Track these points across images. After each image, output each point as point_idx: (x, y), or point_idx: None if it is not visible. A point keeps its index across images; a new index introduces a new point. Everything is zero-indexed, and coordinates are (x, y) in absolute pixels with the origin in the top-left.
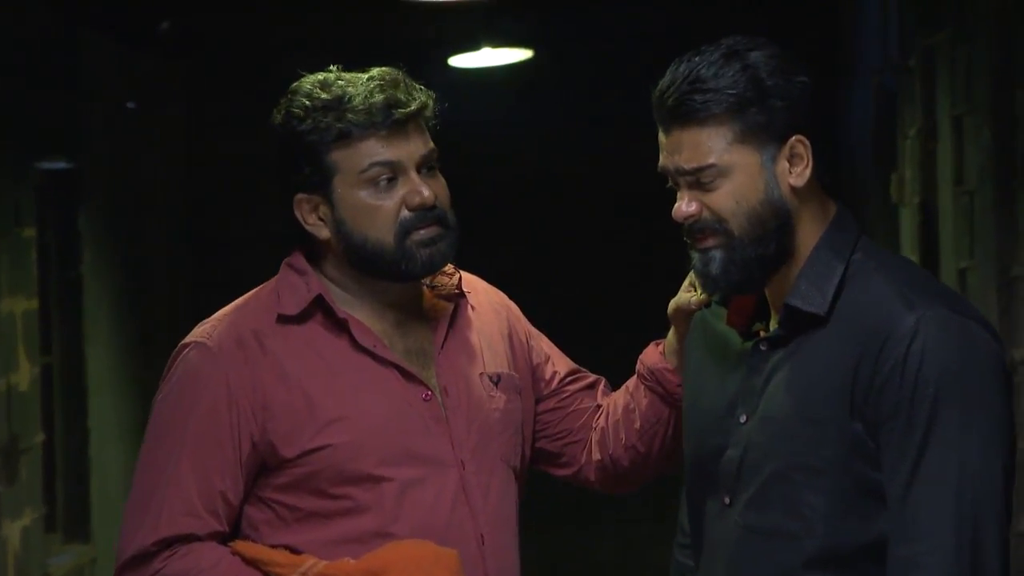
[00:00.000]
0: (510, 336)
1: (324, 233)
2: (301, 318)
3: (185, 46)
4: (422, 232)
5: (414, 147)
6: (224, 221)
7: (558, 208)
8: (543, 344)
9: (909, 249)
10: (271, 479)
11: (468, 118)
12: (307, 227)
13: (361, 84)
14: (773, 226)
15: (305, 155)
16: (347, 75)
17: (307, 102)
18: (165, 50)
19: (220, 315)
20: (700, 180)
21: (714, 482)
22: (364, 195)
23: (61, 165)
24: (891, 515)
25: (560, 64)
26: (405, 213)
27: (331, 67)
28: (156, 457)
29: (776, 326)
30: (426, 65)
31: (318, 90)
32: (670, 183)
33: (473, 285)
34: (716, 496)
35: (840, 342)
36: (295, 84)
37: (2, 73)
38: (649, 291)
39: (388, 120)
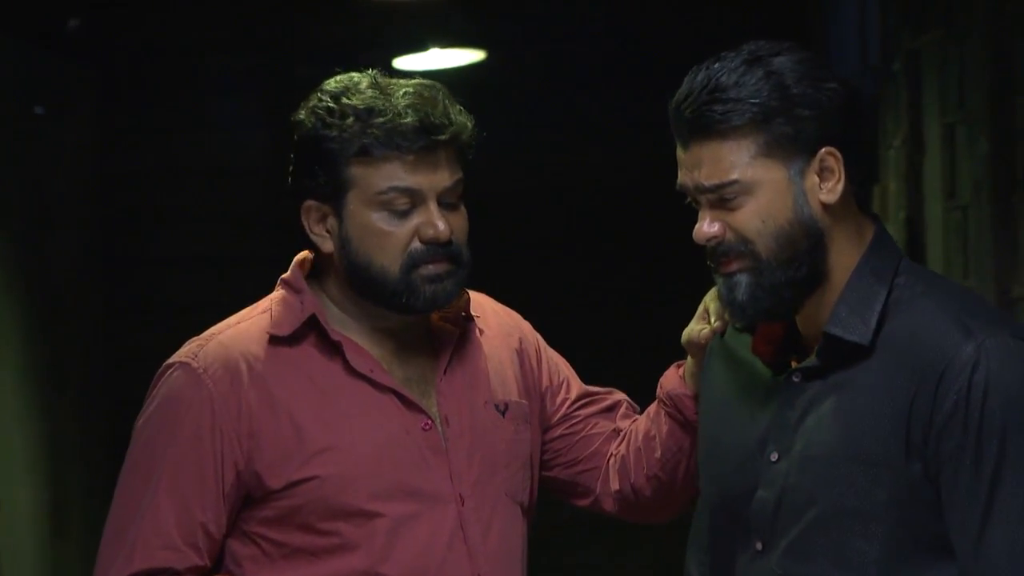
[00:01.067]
0: (520, 360)
1: (328, 246)
2: (293, 339)
3: (97, 46)
4: (431, 267)
5: (439, 177)
6: (140, 241)
7: (512, 217)
8: (557, 366)
9: None
10: (256, 511)
11: None
12: (312, 236)
13: (396, 98)
14: (804, 247)
15: (322, 161)
16: (384, 82)
17: (333, 105)
18: (74, 50)
19: (209, 333)
20: (723, 198)
21: (743, 526)
22: (376, 217)
23: None
24: (963, 562)
25: (515, 66)
26: (416, 244)
27: (368, 70)
28: (133, 484)
29: (813, 356)
30: (368, 67)
31: (348, 94)
32: (689, 200)
33: (482, 307)
34: (746, 541)
35: (889, 374)
36: (326, 81)
37: None
38: (597, 306)
39: (416, 145)
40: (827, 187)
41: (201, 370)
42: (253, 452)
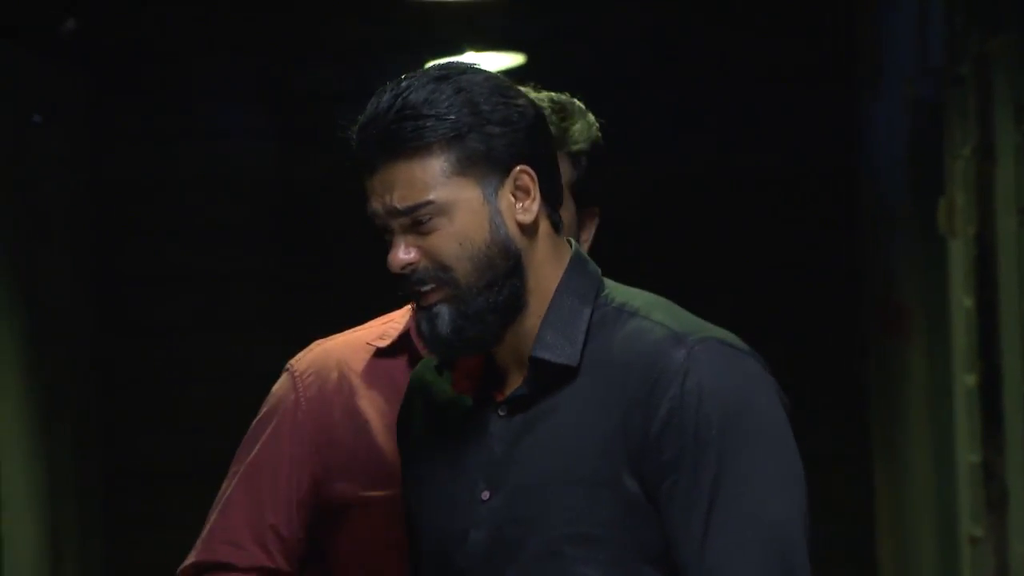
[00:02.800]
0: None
1: None
2: (393, 352)
3: (89, 49)
4: None
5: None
6: (134, 256)
7: None
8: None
9: (961, 287)
10: (337, 520)
11: None
12: None
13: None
14: (503, 270)
15: None
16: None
17: None
18: (65, 54)
19: (326, 339)
20: (417, 220)
21: (457, 571)
22: None
23: None
24: (687, 573)
25: (551, 68)
26: None
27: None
28: (228, 477)
29: (520, 385)
30: (403, 70)
31: None
32: (384, 232)
33: None
34: None
35: (599, 393)
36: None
37: None
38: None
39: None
40: (523, 206)
41: (297, 374)
42: (330, 462)
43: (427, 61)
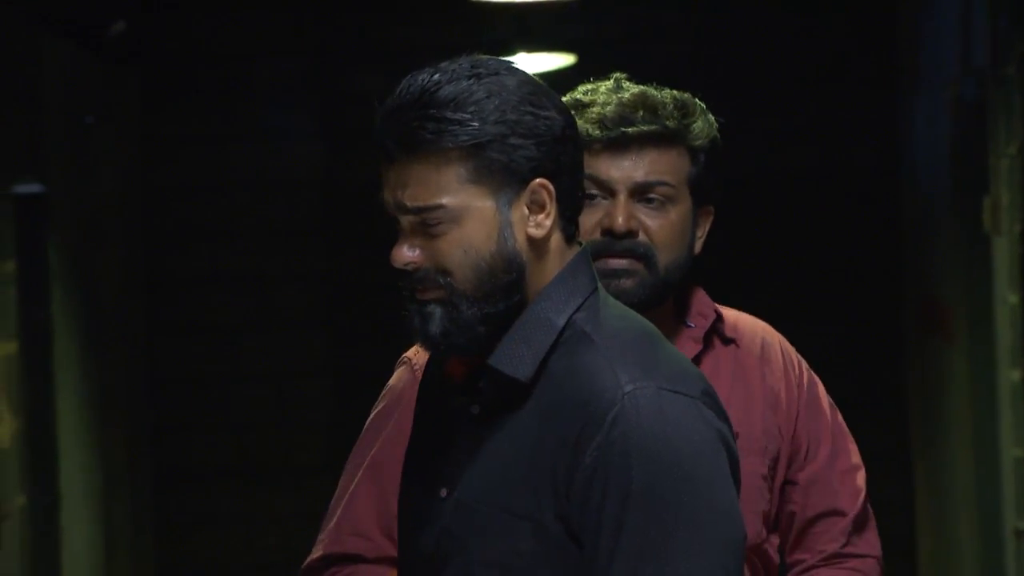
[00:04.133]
0: (776, 402)
1: None
2: None
3: (140, 48)
4: (609, 261)
5: (635, 169)
6: (185, 257)
7: None
8: (819, 449)
9: (1006, 285)
10: None
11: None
12: None
13: (607, 92)
14: (503, 282)
15: None
16: (618, 80)
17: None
18: (117, 55)
19: None
20: (425, 222)
21: (413, 565)
22: None
23: (30, 189)
24: None
25: (605, 72)
26: (596, 235)
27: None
28: (348, 470)
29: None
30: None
31: (580, 93)
32: (396, 222)
33: (750, 334)
34: None
35: (543, 421)
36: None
37: None
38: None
39: (614, 133)
40: (536, 220)
41: (416, 367)
42: None
43: None
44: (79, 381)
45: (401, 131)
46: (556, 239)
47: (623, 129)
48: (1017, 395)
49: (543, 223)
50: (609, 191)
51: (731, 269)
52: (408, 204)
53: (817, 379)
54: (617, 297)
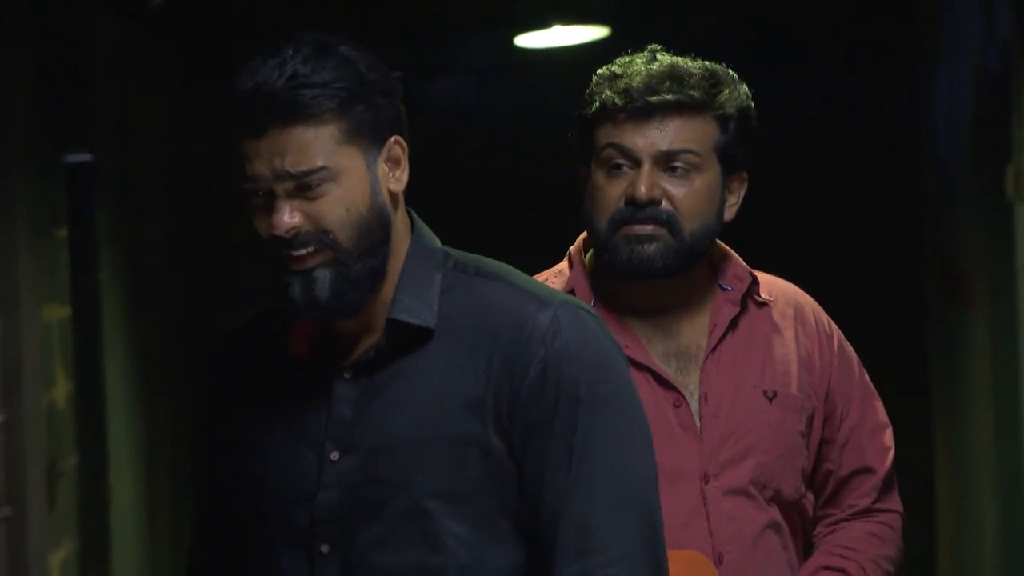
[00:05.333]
0: (810, 362)
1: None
2: None
3: (180, 24)
4: (634, 227)
5: (659, 138)
6: (223, 227)
7: None
8: (851, 407)
9: None
10: None
11: (537, 104)
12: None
13: (641, 63)
14: (378, 236)
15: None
16: (653, 52)
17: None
18: (158, 29)
19: None
20: (306, 185)
21: (297, 533)
22: (600, 175)
23: (81, 158)
24: (550, 532)
25: (641, 43)
26: (621, 204)
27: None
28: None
29: (369, 350)
30: (489, 45)
31: (615, 63)
32: (258, 194)
33: (784, 297)
34: (303, 547)
35: (461, 354)
36: None
37: (20, 54)
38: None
39: (639, 102)
40: (395, 175)
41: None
42: None
43: (512, 37)
44: (125, 346)
45: (273, 103)
46: (401, 195)
47: (647, 99)
48: None
49: (401, 178)
50: (634, 160)
51: (754, 238)
52: (291, 170)
53: (846, 340)
54: (640, 263)
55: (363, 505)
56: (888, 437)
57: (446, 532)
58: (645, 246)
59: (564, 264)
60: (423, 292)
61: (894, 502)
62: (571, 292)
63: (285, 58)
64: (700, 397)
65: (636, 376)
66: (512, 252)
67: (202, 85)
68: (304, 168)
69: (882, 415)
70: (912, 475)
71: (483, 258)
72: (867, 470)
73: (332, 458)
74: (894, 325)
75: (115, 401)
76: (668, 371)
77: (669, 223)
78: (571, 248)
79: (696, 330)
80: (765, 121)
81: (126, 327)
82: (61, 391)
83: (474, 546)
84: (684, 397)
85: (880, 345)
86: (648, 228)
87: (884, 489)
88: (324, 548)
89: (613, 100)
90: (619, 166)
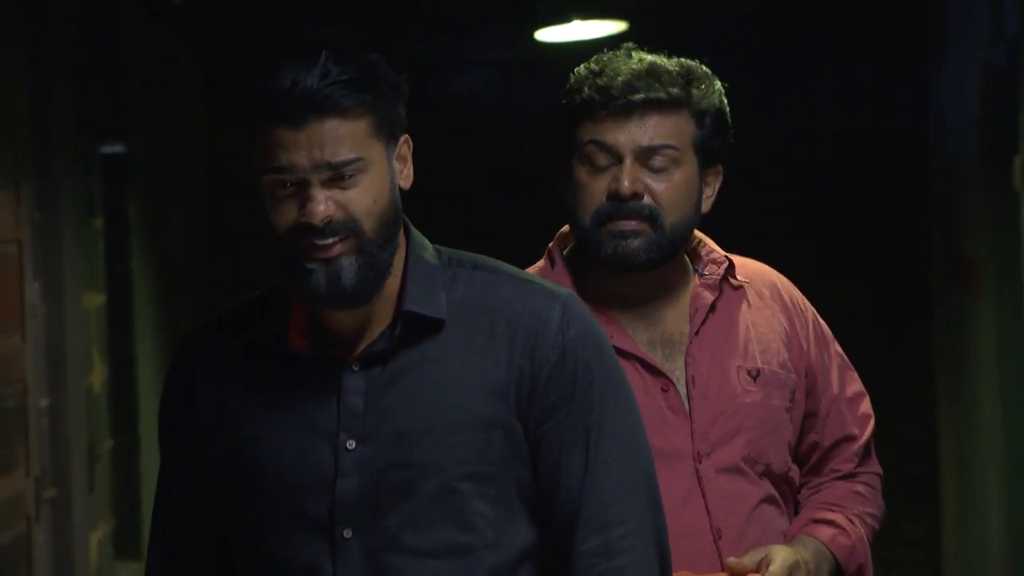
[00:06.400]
0: (789, 339)
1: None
2: None
3: (205, 20)
4: (618, 223)
5: (639, 134)
6: (246, 216)
7: None
8: (830, 380)
9: None
10: None
11: (557, 99)
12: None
13: (621, 61)
14: (395, 229)
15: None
16: (630, 49)
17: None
18: (184, 25)
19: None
20: (341, 176)
21: (314, 522)
22: (580, 171)
23: (114, 150)
24: (570, 508)
25: (658, 37)
26: (604, 200)
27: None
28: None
29: (375, 340)
30: (510, 40)
31: (594, 60)
32: (286, 184)
33: (759, 278)
34: (320, 536)
35: (478, 342)
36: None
37: (59, 51)
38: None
39: (620, 100)
40: (404, 173)
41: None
42: None
43: (532, 31)
44: (154, 332)
45: (312, 96)
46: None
47: (628, 96)
48: None
49: (408, 175)
50: (615, 156)
51: (765, 228)
52: (330, 160)
53: (819, 316)
54: (625, 257)
55: (391, 489)
56: (867, 404)
57: (475, 512)
58: (629, 241)
59: (543, 263)
60: (430, 284)
61: (874, 465)
62: (558, 278)
63: (318, 58)
64: (687, 381)
65: (624, 365)
66: (535, 243)
67: (225, 79)
68: (342, 158)
69: (859, 384)
70: (917, 459)
71: (471, 254)
72: (848, 438)
73: (348, 447)
74: (900, 312)
75: (145, 386)
76: (655, 358)
77: (651, 217)
78: (550, 244)
79: (678, 317)
80: (777, 113)
81: (155, 314)
82: (98, 376)
83: (497, 525)
84: (672, 382)
85: (886, 331)
86: (632, 224)
87: (864, 454)
88: (347, 533)
89: (594, 97)
90: (601, 162)
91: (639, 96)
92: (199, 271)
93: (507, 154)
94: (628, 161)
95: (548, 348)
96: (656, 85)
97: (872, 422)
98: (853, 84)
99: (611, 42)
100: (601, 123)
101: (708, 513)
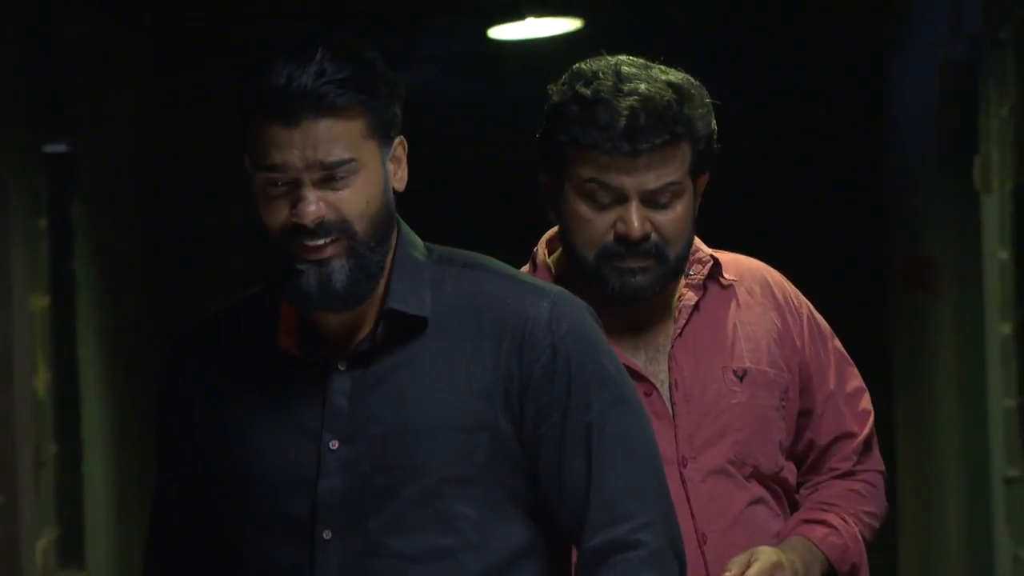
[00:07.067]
0: (781, 336)
1: (554, 217)
2: None
3: (150, 13)
4: (625, 261)
5: (644, 178)
6: (195, 215)
7: None
8: (826, 376)
9: (996, 241)
10: None
11: (511, 95)
12: (547, 206)
13: (622, 94)
14: (387, 230)
15: (549, 138)
16: (629, 72)
17: (574, 86)
18: (129, 18)
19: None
20: (333, 177)
21: (295, 522)
22: (580, 205)
23: (57, 149)
24: (576, 507)
25: (612, 35)
26: (610, 238)
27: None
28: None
29: (362, 340)
30: (463, 36)
31: (588, 79)
32: (277, 183)
33: (750, 275)
34: (300, 536)
35: (464, 343)
36: (589, 60)
37: (1, 45)
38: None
39: (620, 149)
40: (398, 174)
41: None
42: None
43: (486, 28)
44: (97, 334)
45: (307, 95)
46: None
47: (634, 146)
48: (1007, 348)
49: (402, 177)
50: (620, 196)
51: (717, 226)
52: (324, 160)
53: (816, 311)
54: (632, 293)
55: (374, 491)
56: (866, 401)
57: (458, 515)
58: (638, 278)
59: (527, 268)
60: (415, 283)
61: (874, 462)
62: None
63: (314, 56)
64: (670, 384)
65: None
66: (482, 241)
67: (172, 74)
68: (335, 158)
69: (858, 380)
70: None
71: (464, 251)
72: (847, 435)
73: (331, 447)
74: (857, 313)
75: (88, 391)
76: (637, 362)
77: (657, 253)
78: (535, 249)
79: (662, 319)
80: (733, 110)
81: (99, 316)
82: (42, 380)
83: (483, 527)
84: (655, 386)
85: (843, 332)
86: (638, 261)
87: (864, 451)
88: (326, 534)
89: (596, 143)
90: (603, 199)
91: (645, 145)
92: (146, 271)
93: (461, 149)
94: (635, 204)
95: (537, 347)
96: (659, 126)
97: (872, 418)
98: (810, 81)
99: (565, 40)
100: (603, 164)
101: (693, 518)
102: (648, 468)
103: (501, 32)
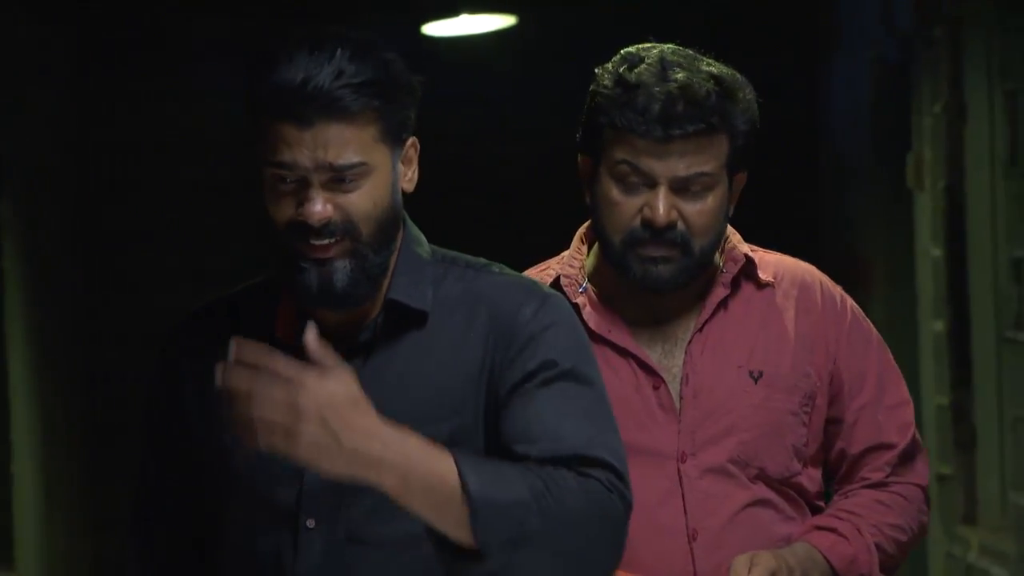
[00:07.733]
0: (814, 342)
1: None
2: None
3: (76, 7)
4: (648, 249)
5: (677, 165)
6: (121, 213)
7: (547, 188)
8: (863, 385)
9: (929, 238)
10: None
11: (444, 93)
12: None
13: (662, 80)
14: (393, 233)
15: (591, 118)
16: (673, 59)
17: (618, 69)
18: (53, 12)
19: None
20: (342, 179)
21: (279, 511)
22: (611, 186)
23: None
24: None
25: (546, 32)
26: (637, 224)
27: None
28: None
29: (366, 331)
30: (396, 33)
31: (633, 64)
32: (286, 181)
33: (791, 277)
34: (284, 525)
35: (458, 338)
36: (638, 46)
37: None
38: None
39: (653, 133)
40: (409, 176)
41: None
42: None
43: (420, 25)
44: (25, 334)
45: (322, 97)
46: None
47: (667, 130)
48: (939, 345)
49: (413, 178)
50: (650, 180)
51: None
52: (334, 162)
53: (863, 316)
54: (653, 282)
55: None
56: (908, 413)
57: None
58: (660, 268)
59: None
60: (418, 278)
61: (914, 475)
62: (566, 267)
63: (333, 55)
64: (681, 378)
65: (619, 361)
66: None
67: (98, 69)
68: (345, 162)
69: (903, 392)
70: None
71: (465, 255)
72: (882, 446)
73: None
74: None
75: (16, 389)
76: (651, 354)
77: (682, 243)
78: (580, 230)
79: (686, 313)
80: None
81: (27, 315)
82: None
83: None
84: (664, 379)
85: None
86: (662, 250)
87: (903, 463)
88: (310, 523)
89: (630, 126)
90: (634, 181)
91: (678, 131)
92: (74, 269)
93: None
94: (663, 190)
95: (517, 334)
96: (695, 115)
97: (913, 431)
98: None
99: (499, 37)
100: (636, 147)
101: (685, 513)
102: (603, 417)
103: (435, 28)
